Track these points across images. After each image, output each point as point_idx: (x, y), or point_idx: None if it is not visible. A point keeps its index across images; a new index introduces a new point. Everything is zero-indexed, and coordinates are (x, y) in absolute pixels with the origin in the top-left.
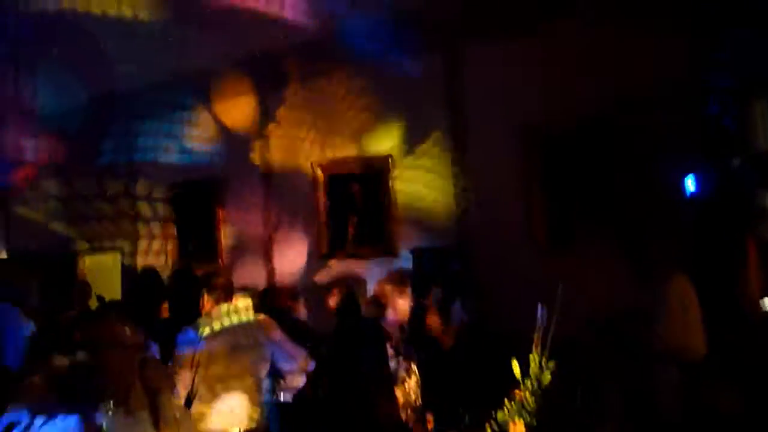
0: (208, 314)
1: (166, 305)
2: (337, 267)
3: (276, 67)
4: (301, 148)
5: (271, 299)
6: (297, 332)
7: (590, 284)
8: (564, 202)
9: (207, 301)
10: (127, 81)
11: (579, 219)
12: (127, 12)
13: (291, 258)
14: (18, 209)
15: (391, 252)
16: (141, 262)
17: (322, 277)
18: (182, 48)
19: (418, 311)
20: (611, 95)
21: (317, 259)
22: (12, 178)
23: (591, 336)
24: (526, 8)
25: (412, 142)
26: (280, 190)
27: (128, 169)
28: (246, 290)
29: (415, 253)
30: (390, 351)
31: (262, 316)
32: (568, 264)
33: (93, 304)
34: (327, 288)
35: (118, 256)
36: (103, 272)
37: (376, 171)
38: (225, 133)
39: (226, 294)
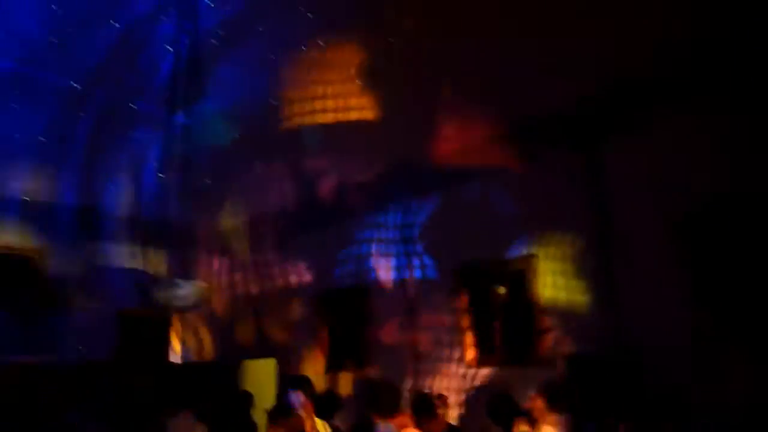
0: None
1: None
2: (486, 374)
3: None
4: (441, 252)
5: (421, 407)
6: None
7: None
8: (735, 293)
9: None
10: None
11: (756, 311)
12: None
13: (438, 365)
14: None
15: (542, 359)
16: (295, 368)
17: (470, 384)
18: None
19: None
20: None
21: (465, 365)
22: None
23: None
24: (666, 93)
25: (555, 241)
26: (424, 296)
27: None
28: None
29: (570, 360)
30: None
31: None
32: (753, 366)
33: (254, 411)
34: (477, 395)
35: (274, 363)
36: (260, 378)
37: (519, 273)
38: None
39: (391, 410)
